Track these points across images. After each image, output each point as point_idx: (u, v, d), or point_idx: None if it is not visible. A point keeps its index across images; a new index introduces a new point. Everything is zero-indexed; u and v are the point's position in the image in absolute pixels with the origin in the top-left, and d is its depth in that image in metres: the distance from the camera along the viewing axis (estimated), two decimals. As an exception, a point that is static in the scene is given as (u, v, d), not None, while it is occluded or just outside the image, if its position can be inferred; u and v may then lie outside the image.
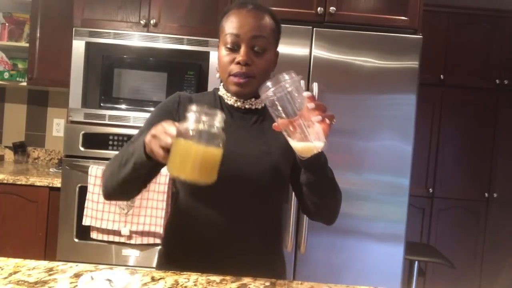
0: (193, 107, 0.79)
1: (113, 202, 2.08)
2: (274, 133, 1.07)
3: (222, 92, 1.11)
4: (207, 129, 0.78)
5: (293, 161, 1.06)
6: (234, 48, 1.01)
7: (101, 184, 1.03)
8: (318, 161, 0.93)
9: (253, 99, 1.08)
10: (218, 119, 0.79)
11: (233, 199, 1.01)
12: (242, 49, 1.00)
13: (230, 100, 1.08)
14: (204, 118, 0.78)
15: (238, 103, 1.08)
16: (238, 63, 1.00)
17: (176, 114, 1.07)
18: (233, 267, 1.00)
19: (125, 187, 0.97)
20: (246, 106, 1.08)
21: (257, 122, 1.09)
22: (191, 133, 0.77)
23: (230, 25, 1.02)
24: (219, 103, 1.11)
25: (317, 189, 1.00)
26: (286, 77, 0.81)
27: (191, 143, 0.77)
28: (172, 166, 0.79)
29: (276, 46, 1.09)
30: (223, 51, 1.03)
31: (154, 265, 1.14)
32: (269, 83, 0.82)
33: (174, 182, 1.11)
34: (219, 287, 0.91)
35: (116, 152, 2.13)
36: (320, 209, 1.05)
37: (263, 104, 1.08)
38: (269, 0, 2.07)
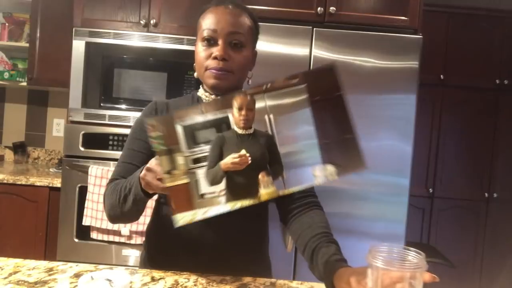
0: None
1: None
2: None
3: (200, 92, 1.11)
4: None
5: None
6: (211, 43, 1.01)
7: (103, 208, 1.06)
8: None
9: None
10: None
11: None
12: (219, 44, 1.00)
13: (208, 100, 1.07)
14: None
15: None
16: (215, 58, 0.99)
17: None
18: (215, 267, 1.00)
19: (129, 216, 1.00)
20: None
21: None
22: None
23: (208, 21, 1.02)
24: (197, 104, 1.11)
25: None
26: None
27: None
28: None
29: (254, 45, 1.09)
30: (200, 47, 1.03)
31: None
32: None
33: None
34: (219, 287, 0.91)
35: (116, 152, 2.16)
36: None
37: None
38: (269, 0, 2.07)
